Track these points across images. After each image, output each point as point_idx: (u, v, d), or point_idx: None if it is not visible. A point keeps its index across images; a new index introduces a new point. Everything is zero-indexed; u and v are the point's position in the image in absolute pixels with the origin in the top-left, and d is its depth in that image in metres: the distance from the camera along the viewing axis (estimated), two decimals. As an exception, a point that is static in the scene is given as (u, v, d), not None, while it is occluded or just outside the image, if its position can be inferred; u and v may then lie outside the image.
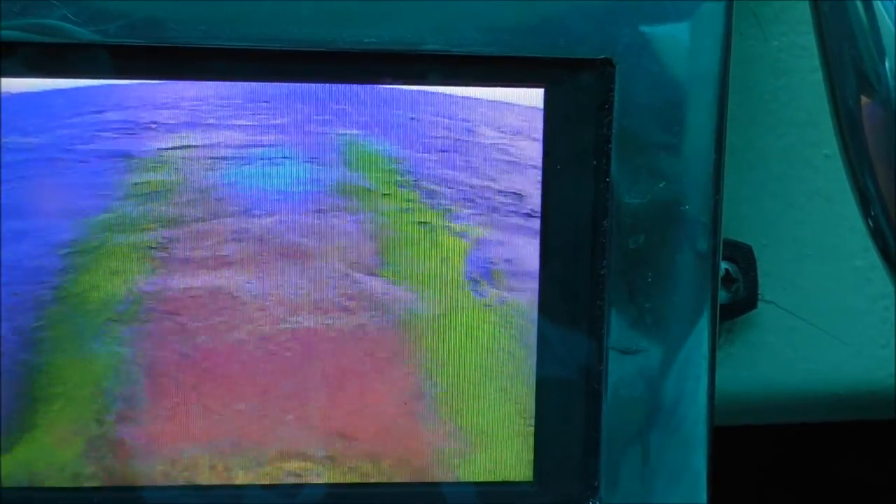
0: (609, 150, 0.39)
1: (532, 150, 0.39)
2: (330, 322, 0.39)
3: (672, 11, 0.38)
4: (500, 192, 0.39)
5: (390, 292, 0.39)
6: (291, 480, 0.39)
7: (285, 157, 0.38)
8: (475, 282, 0.39)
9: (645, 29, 0.38)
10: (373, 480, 0.40)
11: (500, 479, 0.40)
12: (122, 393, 0.38)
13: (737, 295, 0.44)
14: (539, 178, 0.39)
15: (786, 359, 0.46)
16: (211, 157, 0.38)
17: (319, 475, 0.40)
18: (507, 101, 0.39)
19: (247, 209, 0.38)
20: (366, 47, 0.37)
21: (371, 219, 0.39)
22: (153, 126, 0.38)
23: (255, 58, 0.37)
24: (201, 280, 0.38)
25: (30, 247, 0.38)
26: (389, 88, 0.38)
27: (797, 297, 0.46)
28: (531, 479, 0.40)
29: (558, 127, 0.39)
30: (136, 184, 0.38)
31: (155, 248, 0.38)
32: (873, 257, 0.34)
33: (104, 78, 0.37)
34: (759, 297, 0.45)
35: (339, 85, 0.38)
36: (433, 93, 0.39)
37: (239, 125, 0.38)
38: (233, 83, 0.38)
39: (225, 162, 0.38)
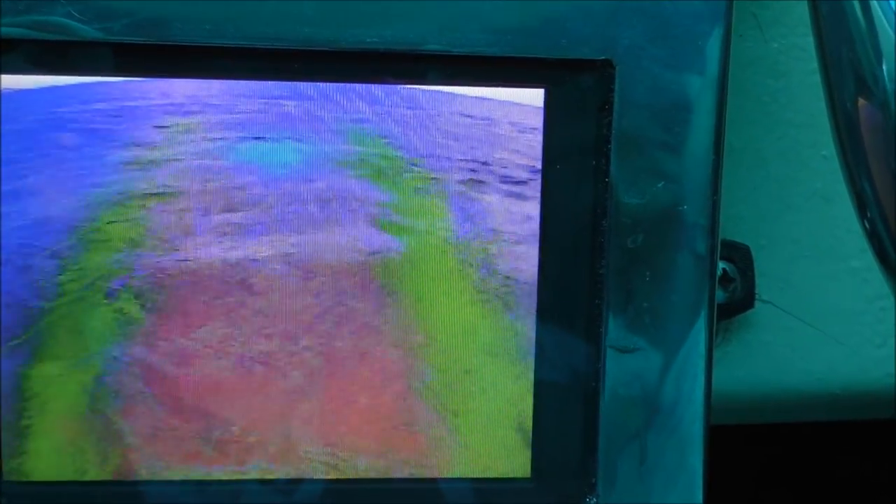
0: (608, 151, 0.39)
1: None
2: (330, 322, 0.39)
3: (672, 12, 0.38)
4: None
5: (391, 292, 0.39)
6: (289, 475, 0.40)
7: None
8: (474, 268, 0.39)
9: (645, 30, 0.38)
10: (370, 476, 0.40)
11: (497, 476, 0.40)
12: (121, 388, 0.39)
13: (734, 295, 0.44)
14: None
15: (783, 358, 0.46)
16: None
17: (316, 471, 0.40)
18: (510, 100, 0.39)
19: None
20: (368, 47, 0.37)
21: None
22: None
23: (258, 56, 0.37)
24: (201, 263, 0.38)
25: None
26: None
27: (794, 297, 0.46)
28: (529, 476, 0.40)
29: (558, 127, 0.39)
30: (128, 162, 0.38)
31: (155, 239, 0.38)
32: (870, 258, 0.34)
33: (107, 75, 0.37)
34: (757, 296, 0.45)
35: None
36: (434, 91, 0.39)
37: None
38: (235, 80, 0.38)
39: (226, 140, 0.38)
